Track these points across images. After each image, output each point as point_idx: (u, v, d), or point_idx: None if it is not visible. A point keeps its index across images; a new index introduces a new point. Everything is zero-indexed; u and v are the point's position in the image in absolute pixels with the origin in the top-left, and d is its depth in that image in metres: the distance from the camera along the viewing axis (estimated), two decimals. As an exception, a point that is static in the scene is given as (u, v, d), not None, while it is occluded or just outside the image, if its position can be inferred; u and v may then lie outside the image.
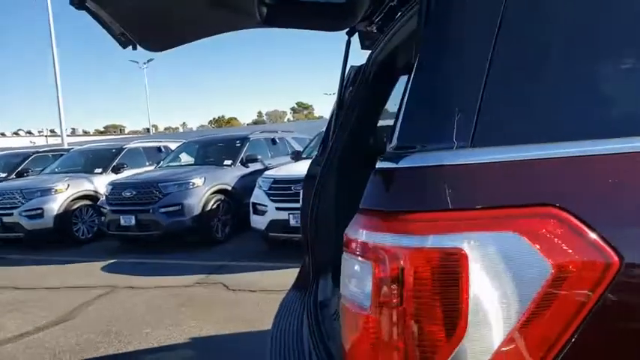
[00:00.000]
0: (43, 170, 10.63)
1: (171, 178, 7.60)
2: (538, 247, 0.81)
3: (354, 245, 0.94)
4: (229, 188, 7.93)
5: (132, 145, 10.60)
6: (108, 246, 7.97)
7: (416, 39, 1.02)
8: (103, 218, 7.84)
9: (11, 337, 4.31)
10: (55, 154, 12.22)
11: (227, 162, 8.41)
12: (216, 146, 9.46)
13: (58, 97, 20.63)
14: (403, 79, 2.43)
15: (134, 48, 2.31)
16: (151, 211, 7.27)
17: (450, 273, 0.81)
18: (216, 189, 7.68)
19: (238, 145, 8.88)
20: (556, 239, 0.81)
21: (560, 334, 0.80)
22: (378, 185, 0.94)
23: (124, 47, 2.35)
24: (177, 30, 2.29)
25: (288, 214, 6.13)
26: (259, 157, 8.72)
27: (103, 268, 6.60)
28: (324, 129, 8.93)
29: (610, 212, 0.83)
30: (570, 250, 0.81)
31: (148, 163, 10.26)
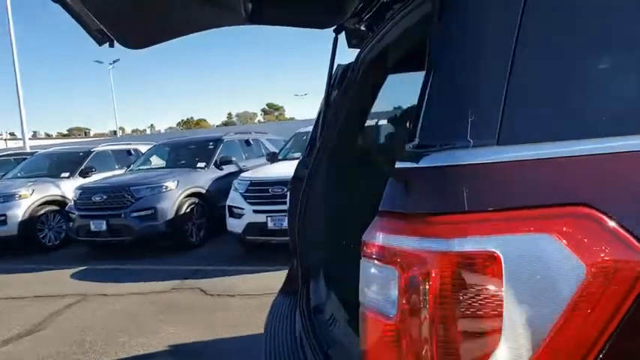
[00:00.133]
0: (4, 175, 10.18)
1: (143, 182, 7.40)
2: (572, 248, 0.78)
3: (374, 250, 0.89)
4: (203, 191, 7.78)
5: (100, 147, 10.29)
6: (77, 252, 7.68)
7: (430, 34, 0.97)
8: (71, 224, 7.56)
9: (-24, 351, 4.09)
10: (17, 158, 11.75)
11: (200, 164, 8.25)
12: (189, 148, 9.28)
13: (19, 98, 19.87)
14: (392, 78, 2.40)
15: (111, 45, 2.21)
16: (122, 215, 7.06)
17: (483, 278, 0.77)
18: (189, 192, 7.52)
19: (212, 146, 8.73)
20: (589, 240, 0.78)
21: (597, 337, 0.77)
22: (399, 186, 0.89)
23: (100, 44, 2.24)
24: (158, 26, 2.19)
25: (266, 216, 6.04)
26: (233, 158, 8.60)
27: (73, 276, 6.35)
28: (300, 130, 8.86)
29: None
30: (605, 251, 0.78)
31: (117, 167, 9.98)
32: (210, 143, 8.86)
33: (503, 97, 0.84)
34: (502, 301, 0.76)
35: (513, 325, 0.77)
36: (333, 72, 2.40)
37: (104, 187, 7.52)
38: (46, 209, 8.27)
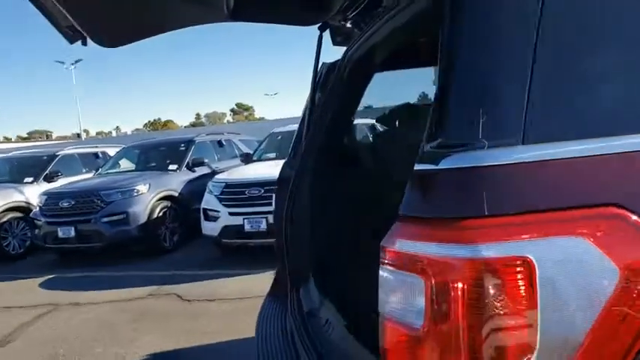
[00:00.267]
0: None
1: (113, 186, 7.16)
2: (604, 250, 0.75)
3: (395, 257, 0.84)
4: (176, 194, 7.59)
5: (66, 151, 9.91)
6: (44, 260, 7.38)
7: (444, 32, 0.93)
8: (37, 231, 7.24)
9: (-61, 369, 3.85)
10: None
11: (172, 167, 8.04)
12: (160, 150, 9.04)
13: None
14: (378, 76, 2.36)
15: (84, 43, 2.09)
16: (92, 221, 6.81)
17: (517, 285, 0.74)
18: (162, 195, 7.32)
19: (183, 148, 8.53)
20: (622, 241, 0.76)
21: (631, 344, 0.75)
22: (421, 189, 0.85)
23: (72, 42, 2.12)
24: (136, 23, 2.09)
25: (243, 218, 5.93)
26: (206, 160, 8.43)
27: (42, 285, 6.09)
28: (275, 130, 8.76)
29: None
30: (638, 252, 0.75)
31: (84, 170, 9.64)
32: (182, 145, 8.66)
33: (527, 94, 0.81)
34: (537, 308, 0.73)
35: (548, 333, 0.73)
36: (319, 70, 2.34)
37: (72, 191, 7.24)
38: (9, 216, 7.89)
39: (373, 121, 6.05)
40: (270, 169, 6.41)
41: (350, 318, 1.65)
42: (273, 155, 7.64)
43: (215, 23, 2.29)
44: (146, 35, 2.19)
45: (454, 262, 0.76)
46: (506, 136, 0.80)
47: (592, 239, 0.75)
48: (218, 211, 6.20)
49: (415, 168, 0.86)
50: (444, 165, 0.81)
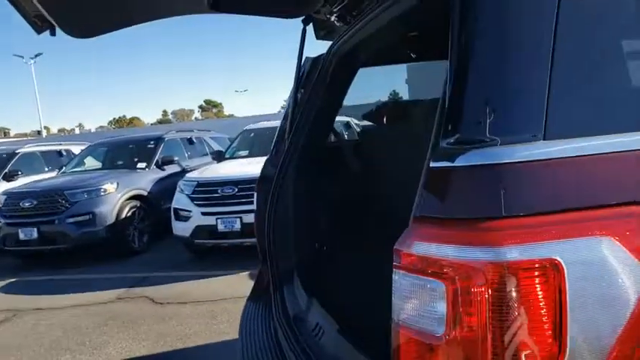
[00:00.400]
0: None
1: (79, 185, 6.89)
2: (632, 250, 0.71)
3: (411, 261, 0.78)
4: (145, 193, 7.37)
5: (26, 149, 9.52)
6: (5, 264, 7.02)
7: (456, 21, 0.88)
8: (-4, 233, 6.90)
9: None
10: None
11: (141, 165, 7.82)
12: (128, 148, 8.75)
13: None
14: (363, 71, 2.31)
15: (52, 33, 1.97)
16: (56, 222, 6.53)
17: (546, 288, 0.69)
18: (130, 195, 7.09)
19: (152, 146, 8.30)
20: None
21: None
22: (439, 188, 0.79)
23: (39, 32, 1.99)
24: (109, 13, 1.97)
25: (216, 218, 5.79)
26: (176, 158, 8.21)
27: (1, 289, 5.79)
28: (248, 127, 8.61)
29: None
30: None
31: (47, 169, 9.27)
32: (151, 142, 8.42)
33: (548, 87, 0.77)
34: (566, 313, 0.69)
35: (577, 338, 0.69)
36: (302, 65, 2.27)
37: (34, 191, 6.92)
38: (-34, 218, 7.51)
39: (348, 119, 6.02)
40: (243, 167, 6.29)
41: (343, 322, 1.58)
42: (246, 153, 7.51)
43: (190, 15, 2.19)
44: (118, 27, 2.08)
45: (479, 265, 0.71)
46: (528, 130, 0.75)
47: (619, 239, 0.71)
48: (190, 211, 6.04)
49: (431, 165, 0.80)
50: (464, 162, 0.76)
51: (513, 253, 0.70)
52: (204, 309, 4.50)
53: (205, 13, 2.13)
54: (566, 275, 0.69)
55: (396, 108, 3.06)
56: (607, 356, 0.70)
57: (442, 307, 0.73)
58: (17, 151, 9.17)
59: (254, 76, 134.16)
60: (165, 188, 7.28)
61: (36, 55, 42.08)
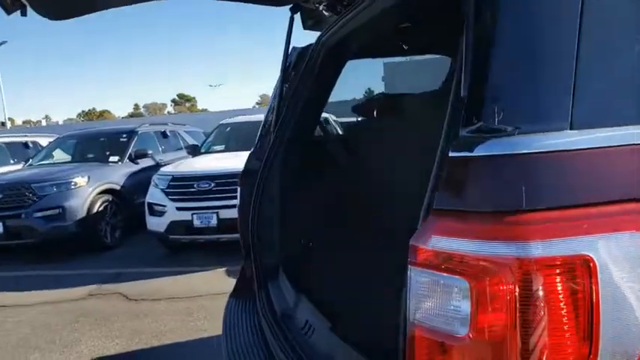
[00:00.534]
0: None
1: (47, 178, 6.63)
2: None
3: (429, 257, 0.74)
4: (118, 187, 7.15)
5: (-10, 141, 9.14)
6: (-33, 260, 6.73)
7: (472, 8, 0.83)
8: (-43, 227, 6.58)
9: None
10: None
11: (113, 158, 7.58)
12: (99, 141, 8.47)
13: None
14: (352, 63, 2.26)
15: (23, 13, 1.85)
16: (23, 216, 6.28)
17: (577, 286, 0.65)
18: (102, 189, 6.87)
19: (125, 139, 8.06)
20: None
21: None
22: (460, 179, 0.75)
23: (9, 13, 1.87)
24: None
25: (192, 214, 5.66)
26: (150, 152, 8.02)
27: (-36, 287, 5.53)
28: (224, 121, 8.45)
29: None
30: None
31: (12, 162, 8.91)
32: (123, 135, 8.18)
33: (574, 72, 0.73)
34: (598, 312, 0.65)
35: (610, 340, 0.66)
36: (289, 55, 2.20)
37: (-2, 184, 6.64)
38: None
39: (327, 115, 5.97)
40: (220, 161, 6.17)
41: (333, 319, 1.53)
42: (222, 147, 7.39)
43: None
44: (95, 9, 1.97)
45: (505, 261, 0.67)
46: (554, 119, 0.72)
47: (648, 234, 0.68)
48: (164, 206, 5.89)
49: (450, 155, 0.75)
50: (488, 151, 0.71)
51: (542, 249, 0.66)
52: (180, 306, 4.39)
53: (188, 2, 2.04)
54: (598, 272, 0.66)
55: (384, 102, 3.02)
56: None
57: (465, 305, 0.69)
58: (-20, 143, 8.80)
59: (229, 70, 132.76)
60: (139, 182, 7.08)
61: (0, 44, 40.47)
